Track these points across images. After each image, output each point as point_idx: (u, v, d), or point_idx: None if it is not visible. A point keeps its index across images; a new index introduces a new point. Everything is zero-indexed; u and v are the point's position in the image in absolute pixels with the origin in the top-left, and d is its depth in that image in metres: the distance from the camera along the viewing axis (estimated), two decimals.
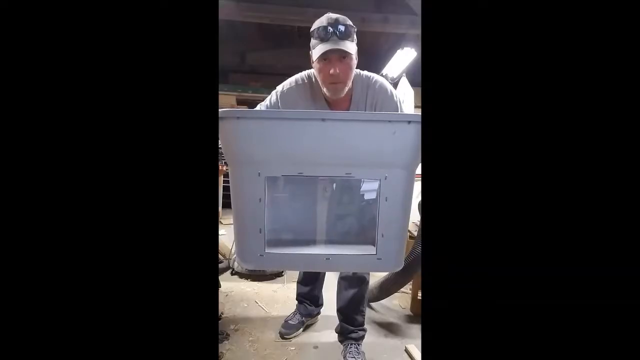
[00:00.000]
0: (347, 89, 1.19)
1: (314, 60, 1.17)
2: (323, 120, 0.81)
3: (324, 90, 1.20)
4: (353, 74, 1.20)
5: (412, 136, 0.80)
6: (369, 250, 0.89)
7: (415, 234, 1.79)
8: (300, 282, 1.74)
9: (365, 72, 1.27)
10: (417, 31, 3.28)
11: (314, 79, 1.25)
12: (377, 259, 0.88)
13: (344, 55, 1.12)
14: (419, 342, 1.56)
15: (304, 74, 1.30)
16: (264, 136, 0.82)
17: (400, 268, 0.94)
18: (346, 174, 0.85)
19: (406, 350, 1.56)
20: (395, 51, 3.82)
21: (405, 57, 3.82)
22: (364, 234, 0.94)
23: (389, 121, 0.81)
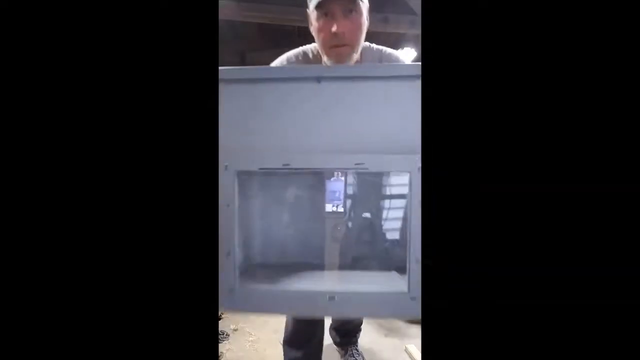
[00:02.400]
0: (355, 57, 0.91)
1: (311, 18, 0.93)
2: (318, 81, 0.56)
3: (325, 58, 0.94)
4: (362, 39, 0.92)
5: None
6: (394, 281, 0.59)
7: None
8: (289, 342, 1.18)
9: (376, 45, 1.05)
10: (417, 31, 3.28)
11: (310, 55, 1.03)
12: (411, 298, 0.57)
13: (350, 8, 0.85)
14: (419, 342, 1.57)
15: (298, 50, 1.06)
16: (231, 107, 0.56)
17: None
18: (356, 164, 0.56)
19: (406, 350, 1.56)
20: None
21: (405, 57, 3.81)
22: (386, 257, 0.67)
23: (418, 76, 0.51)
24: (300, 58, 1.03)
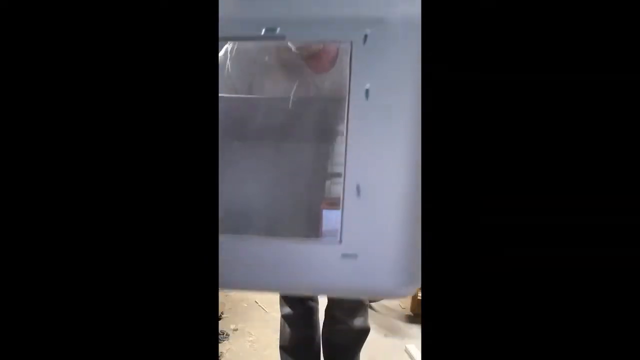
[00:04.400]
0: None
1: None
2: None
3: None
4: None
5: None
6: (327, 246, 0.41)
7: None
8: (285, 348, 1.14)
9: None
10: None
11: None
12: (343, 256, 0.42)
13: None
14: (419, 342, 1.57)
15: None
16: None
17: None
18: (266, 30, 0.36)
19: (406, 351, 1.56)
20: None
21: None
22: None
23: None
24: None
